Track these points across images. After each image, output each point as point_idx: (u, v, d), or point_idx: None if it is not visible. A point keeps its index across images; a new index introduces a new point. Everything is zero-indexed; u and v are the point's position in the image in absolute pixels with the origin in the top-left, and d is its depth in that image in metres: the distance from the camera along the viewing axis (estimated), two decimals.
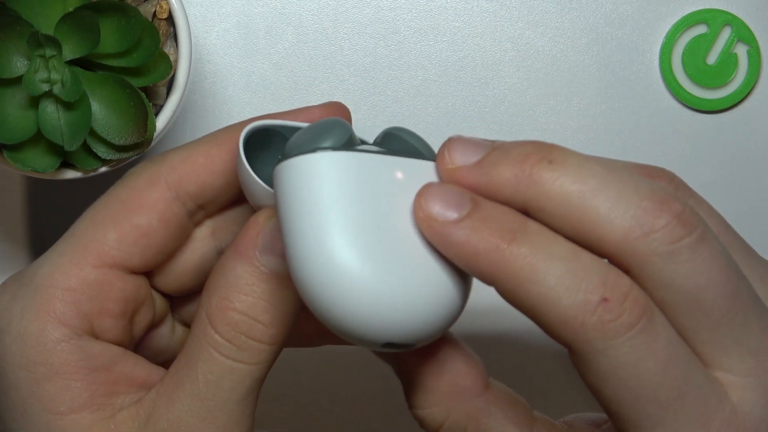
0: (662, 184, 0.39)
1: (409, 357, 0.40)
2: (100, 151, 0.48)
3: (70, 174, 0.49)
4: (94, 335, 0.44)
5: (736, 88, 0.58)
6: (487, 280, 0.37)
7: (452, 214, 0.37)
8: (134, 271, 0.45)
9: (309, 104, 0.58)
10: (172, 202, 0.45)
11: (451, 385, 0.40)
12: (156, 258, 0.45)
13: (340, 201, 0.37)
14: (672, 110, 0.59)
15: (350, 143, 0.39)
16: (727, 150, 0.59)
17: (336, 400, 0.60)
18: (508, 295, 0.37)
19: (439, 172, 0.39)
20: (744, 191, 0.59)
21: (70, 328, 0.43)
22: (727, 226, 0.40)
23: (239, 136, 0.43)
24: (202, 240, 0.47)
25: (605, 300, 0.36)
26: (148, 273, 0.46)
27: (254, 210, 0.44)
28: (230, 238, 0.47)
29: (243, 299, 0.42)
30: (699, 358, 0.37)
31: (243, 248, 0.42)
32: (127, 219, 0.44)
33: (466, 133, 0.58)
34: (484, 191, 0.38)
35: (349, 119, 0.47)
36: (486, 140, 0.39)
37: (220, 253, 0.47)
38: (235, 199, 0.46)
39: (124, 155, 0.48)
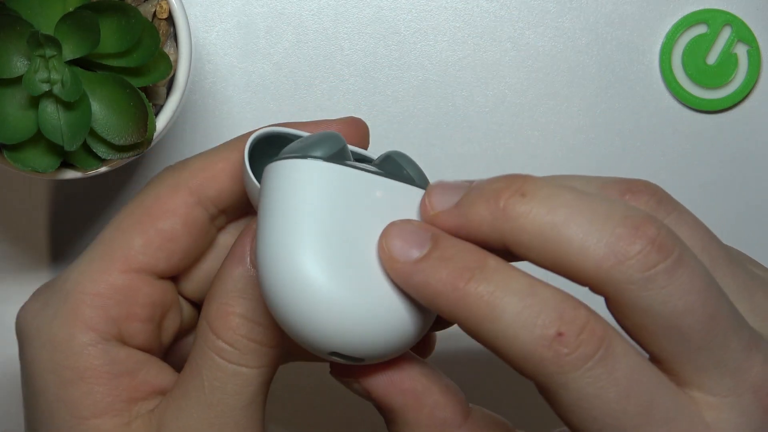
0: (639, 204, 0.39)
1: (388, 392, 0.40)
2: (100, 151, 0.48)
3: (70, 174, 0.49)
4: (123, 340, 0.45)
5: (736, 88, 0.58)
6: (450, 319, 0.37)
7: (413, 253, 0.38)
8: (161, 276, 0.46)
9: (308, 104, 0.58)
10: (194, 207, 0.45)
11: (430, 417, 0.40)
12: (181, 262, 0.46)
13: (311, 207, 0.38)
14: (672, 110, 0.59)
15: (340, 157, 0.40)
16: (727, 150, 0.59)
17: (336, 400, 0.60)
18: (470, 332, 0.37)
19: (423, 219, 0.40)
20: (744, 191, 0.59)
21: (98, 333, 0.44)
22: (712, 238, 0.40)
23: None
24: (227, 247, 0.47)
25: (560, 334, 0.36)
26: (175, 279, 0.47)
27: None
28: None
29: (241, 302, 0.42)
30: (676, 378, 0.37)
31: (239, 253, 0.42)
32: (152, 224, 0.45)
33: (466, 133, 0.58)
34: (464, 232, 0.38)
35: (367, 135, 0.47)
36: (465, 182, 0.40)
37: None
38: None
39: (124, 155, 0.48)
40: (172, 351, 0.49)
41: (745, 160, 0.59)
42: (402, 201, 0.40)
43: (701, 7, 0.58)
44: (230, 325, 0.42)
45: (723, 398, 0.37)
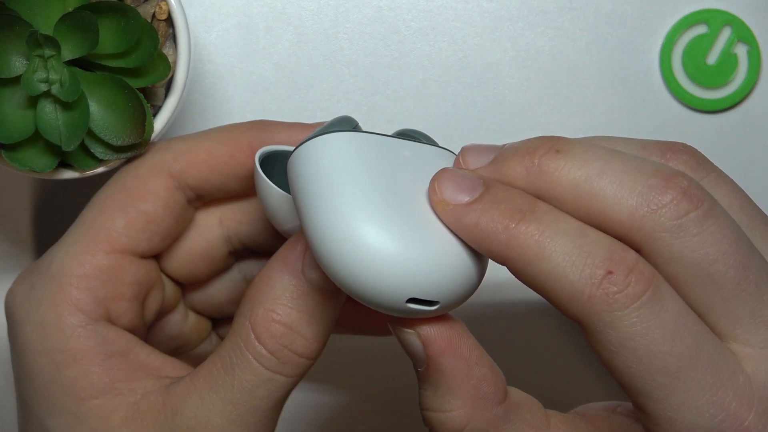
0: (679, 163, 0.40)
1: (444, 353, 0.40)
2: (98, 151, 0.48)
3: (68, 174, 0.49)
4: (110, 320, 0.46)
5: (736, 88, 0.58)
6: (499, 260, 0.38)
7: (464, 198, 0.39)
8: (143, 256, 0.46)
9: (308, 104, 0.58)
10: (174, 191, 0.47)
11: (475, 389, 0.40)
12: (163, 242, 0.47)
13: (352, 172, 0.39)
14: (672, 110, 0.59)
15: (357, 130, 0.41)
16: (727, 150, 0.59)
17: (337, 400, 0.61)
18: (518, 273, 0.38)
19: None
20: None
21: (86, 314, 0.45)
22: (749, 201, 0.41)
23: (242, 137, 0.45)
24: (210, 227, 0.48)
25: (610, 273, 0.37)
26: (158, 257, 0.48)
27: (274, 228, 0.47)
28: (238, 227, 0.49)
29: (289, 312, 0.43)
30: (714, 331, 0.38)
31: (291, 262, 0.43)
32: (134, 206, 0.46)
33: (466, 134, 0.58)
34: None
35: None
36: (497, 145, 0.41)
37: (227, 241, 0.49)
38: (229, 195, 0.48)
39: (122, 156, 0.48)
40: (156, 329, 0.49)
41: (745, 160, 0.59)
42: (430, 159, 0.42)
43: (701, 7, 0.58)
44: (274, 333, 0.43)
45: (760, 350, 0.38)
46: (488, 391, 0.40)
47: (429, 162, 0.41)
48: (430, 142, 0.43)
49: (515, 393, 0.42)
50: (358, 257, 0.37)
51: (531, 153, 0.39)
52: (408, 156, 0.41)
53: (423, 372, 0.41)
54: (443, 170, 0.40)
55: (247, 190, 0.48)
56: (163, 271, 0.49)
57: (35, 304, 0.45)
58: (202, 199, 0.48)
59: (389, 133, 0.43)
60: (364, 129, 0.42)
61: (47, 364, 0.45)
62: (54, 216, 0.58)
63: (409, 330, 0.40)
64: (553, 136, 0.39)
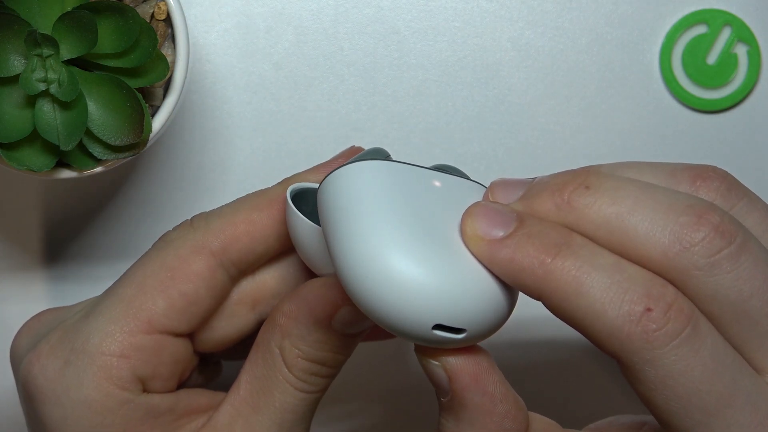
0: (710, 190, 0.40)
1: (470, 387, 0.40)
2: (96, 151, 0.48)
3: (66, 174, 0.49)
4: (148, 392, 0.46)
5: (736, 88, 0.58)
6: (534, 295, 0.38)
7: (498, 232, 0.38)
8: (181, 335, 0.47)
9: (308, 104, 0.58)
10: (216, 270, 0.47)
11: (498, 425, 0.40)
12: (201, 322, 0.47)
13: (381, 198, 0.39)
14: (672, 110, 0.59)
15: (389, 160, 0.42)
16: (727, 150, 0.59)
17: (336, 400, 0.61)
18: (554, 308, 0.38)
19: None
20: None
21: (130, 392, 0.45)
22: None
23: (280, 198, 0.46)
24: (243, 317, 0.49)
25: (649, 310, 0.36)
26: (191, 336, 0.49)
27: (304, 263, 0.47)
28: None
29: (315, 353, 0.45)
30: (750, 364, 0.38)
31: (319, 314, 0.44)
32: (176, 288, 0.46)
33: (466, 133, 0.58)
34: None
35: None
36: (526, 179, 0.41)
37: (259, 323, 0.49)
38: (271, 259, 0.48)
39: (120, 156, 0.48)
40: None
41: (745, 160, 0.59)
42: (461, 191, 0.41)
43: (701, 7, 0.58)
44: (305, 368, 0.45)
45: None
46: (510, 427, 0.40)
47: (459, 194, 0.41)
48: (462, 175, 0.43)
49: (536, 421, 0.41)
50: (384, 281, 0.37)
51: (560, 189, 0.39)
52: (438, 186, 0.41)
53: (446, 402, 0.40)
54: (475, 204, 0.40)
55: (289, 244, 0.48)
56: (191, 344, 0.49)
57: (75, 382, 0.45)
58: (244, 273, 0.48)
59: (420, 164, 0.43)
60: (395, 159, 0.43)
61: None
62: (51, 216, 0.58)
63: (435, 362, 0.40)
64: (582, 171, 0.39)
